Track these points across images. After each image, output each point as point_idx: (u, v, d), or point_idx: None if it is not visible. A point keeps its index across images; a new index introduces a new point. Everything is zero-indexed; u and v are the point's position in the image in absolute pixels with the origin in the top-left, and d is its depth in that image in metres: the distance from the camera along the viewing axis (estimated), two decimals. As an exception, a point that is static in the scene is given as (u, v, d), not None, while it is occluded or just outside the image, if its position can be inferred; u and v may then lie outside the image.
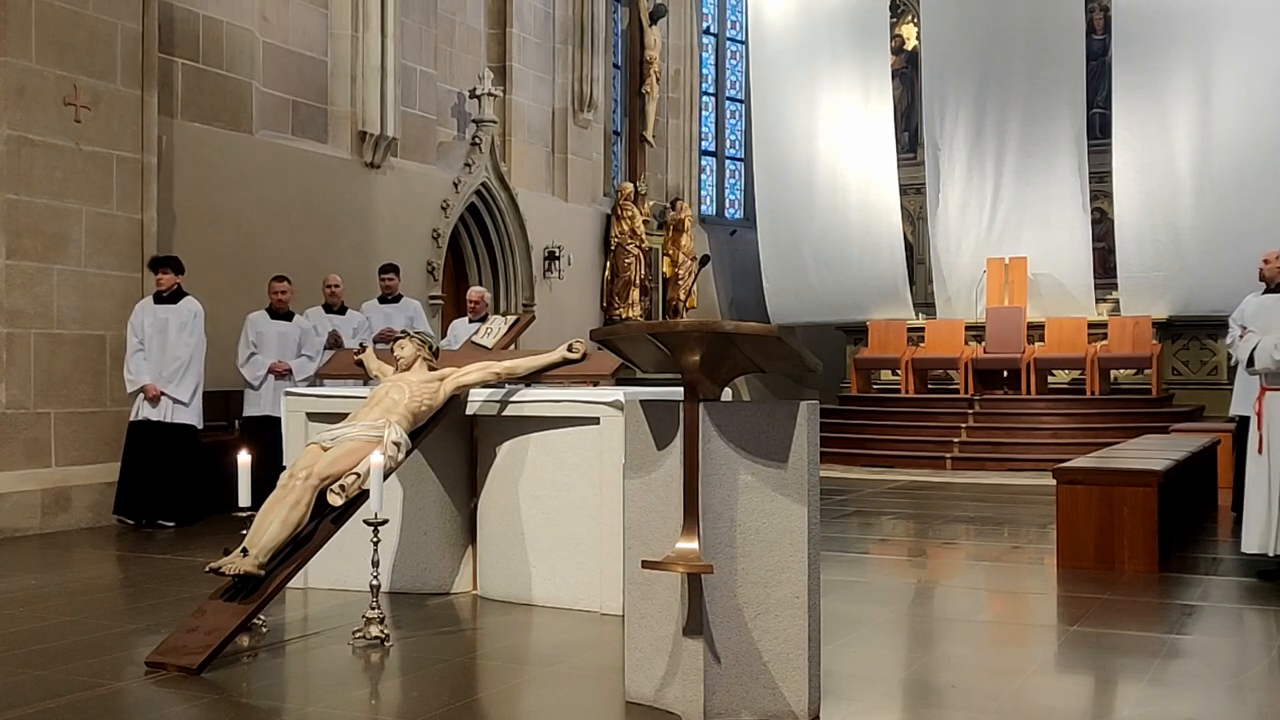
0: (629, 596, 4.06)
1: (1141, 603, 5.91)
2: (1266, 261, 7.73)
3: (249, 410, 9.29)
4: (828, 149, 16.92)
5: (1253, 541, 6.42)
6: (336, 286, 9.99)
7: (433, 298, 12.94)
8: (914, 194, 16.91)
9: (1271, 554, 6.36)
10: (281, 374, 9.17)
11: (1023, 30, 15.79)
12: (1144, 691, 4.30)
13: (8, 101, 8.10)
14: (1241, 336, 6.82)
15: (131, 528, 8.50)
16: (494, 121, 13.77)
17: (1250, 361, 6.41)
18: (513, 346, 6.23)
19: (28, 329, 8.32)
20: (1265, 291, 7.62)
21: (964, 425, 14.55)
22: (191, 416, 8.72)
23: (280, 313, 9.38)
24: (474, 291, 10.62)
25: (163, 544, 7.88)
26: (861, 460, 13.94)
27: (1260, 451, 6.41)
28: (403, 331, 5.90)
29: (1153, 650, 4.87)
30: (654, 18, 17.09)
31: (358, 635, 4.89)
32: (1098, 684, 4.53)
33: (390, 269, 10.52)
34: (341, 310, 9.99)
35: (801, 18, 17.18)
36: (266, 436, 8.60)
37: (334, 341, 9.70)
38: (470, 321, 10.12)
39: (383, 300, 10.47)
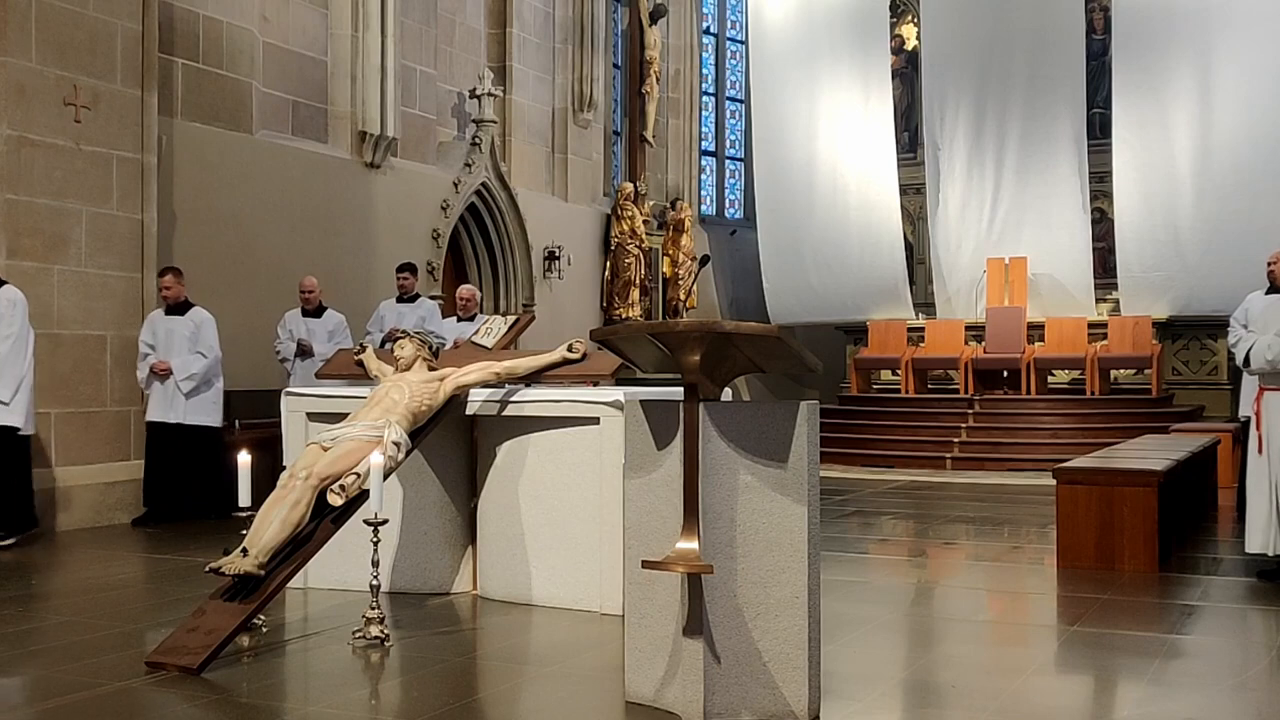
0: (629, 596, 4.06)
1: (1141, 603, 5.91)
2: (1273, 262, 7.49)
3: (149, 414, 8.89)
4: (828, 149, 16.92)
5: (1255, 541, 6.44)
6: (310, 292, 9.85)
7: (433, 297, 12.92)
8: (914, 194, 16.91)
9: (1272, 554, 6.36)
10: (162, 373, 8.70)
11: (1023, 30, 15.79)
12: (1144, 691, 4.30)
13: (8, 101, 8.10)
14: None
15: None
16: (494, 121, 13.76)
17: (1246, 361, 6.47)
18: (513, 346, 6.23)
19: (28, 329, 8.31)
20: (1269, 291, 7.41)
21: (964, 425, 14.55)
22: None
23: (174, 308, 8.85)
24: (464, 289, 10.50)
25: (163, 544, 7.87)
26: (861, 460, 13.94)
27: (1260, 452, 6.41)
28: (403, 331, 5.90)
29: (1153, 650, 4.87)
30: (654, 18, 17.09)
31: (358, 635, 4.89)
32: (1098, 684, 4.53)
33: (407, 268, 10.47)
34: (318, 313, 9.89)
35: (801, 18, 17.18)
36: (172, 444, 8.73)
37: (303, 350, 9.59)
38: (460, 320, 10.03)
39: (399, 299, 10.42)
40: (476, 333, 6.32)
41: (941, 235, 16.35)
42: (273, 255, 10.54)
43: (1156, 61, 14.97)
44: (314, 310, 9.89)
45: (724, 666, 3.79)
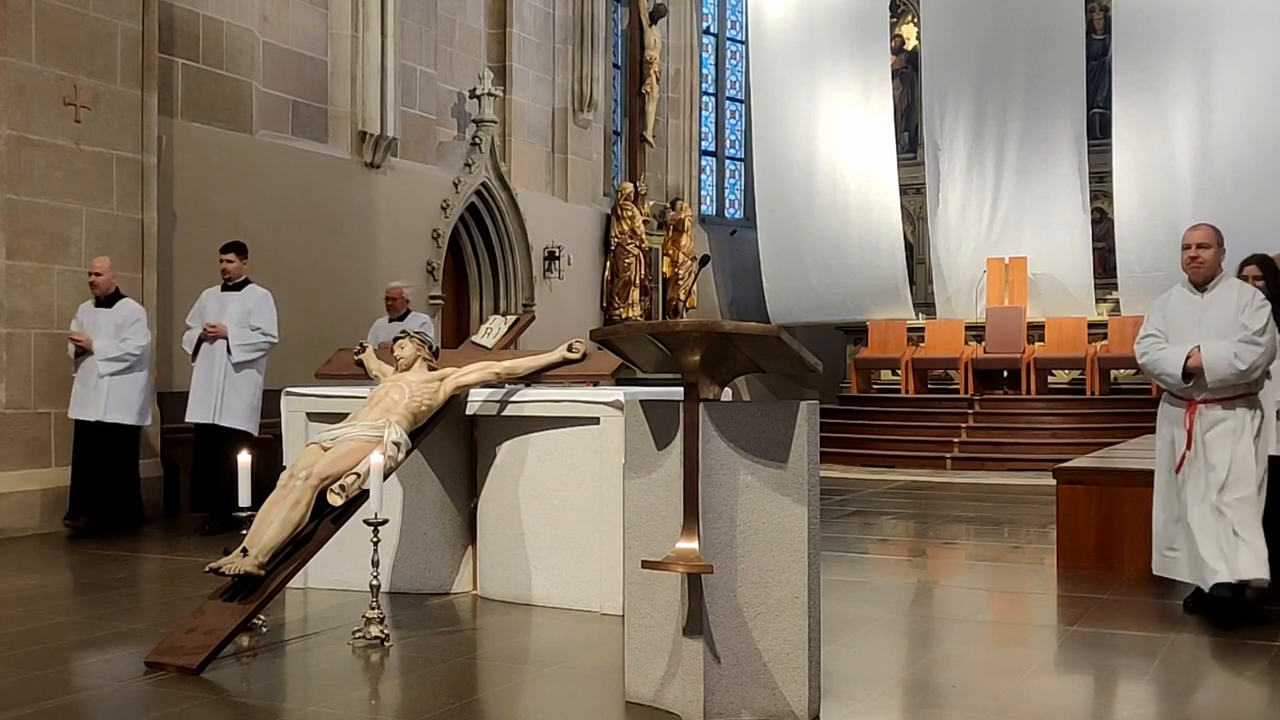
0: (629, 596, 4.06)
1: (1141, 603, 5.90)
2: (1195, 246, 5.63)
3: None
4: (828, 149, 16.92)
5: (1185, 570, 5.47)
6: (97, 274, 8.32)
7: (433, 298, 12.94)
8: (914, 194, 16.90)
9: (1226, 579, 5.26)
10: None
11: (1023, 30, 15.79)
12: (1144, 691, 4.30)
13: (8, 101, 8.10)
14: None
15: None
16: (494, 121, 13.76)
17: (1188, 376, 5.31)
18: (513, 346, 6.24)
19: (27, 329, 8.32)
20: (1198, 288, 5.62)
21: (964, 425, 14.55)
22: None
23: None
24: (391, 286, 9.94)
25: (163, 544, 7.88)
26: (861, 460, 13.93)
27: (1176, 471, 5.44)
28: (402, 331, 5.90)
29: (1153, 650, 4.86)
30: (654, 18, 17.09)
31: (358, 635, 4.89)
32: (1098, 684, 4.53)
33: (232, 248, 8.57)
34: (109, 302, 8.36)
35: (801, 18, 17.18)
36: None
37: (81, 349, 8.27)
38: (390, 321, 9.64)
39: (224, 288, 8.54)
40: (477, 333, 6.32)
41: (941, 235, 16.35)
42: (273, 255, 10.53)
43: (1156, 61, 14.97)
44: (105, 299, 8.35)
45: (724, 666, 3.79)
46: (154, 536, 8.21)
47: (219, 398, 8.31)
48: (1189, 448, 5.41)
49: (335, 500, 5.00)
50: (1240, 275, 6.17)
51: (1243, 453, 5.34)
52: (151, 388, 8.66)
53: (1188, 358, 5.35)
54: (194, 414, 8.38)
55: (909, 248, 16.94)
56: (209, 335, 8.30)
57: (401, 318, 9.68)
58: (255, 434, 8.38)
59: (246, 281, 8.54)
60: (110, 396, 8.20)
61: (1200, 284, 5.56)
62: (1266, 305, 5.42)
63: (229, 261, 8.50)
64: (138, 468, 8.59)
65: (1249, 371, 5.31)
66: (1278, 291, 6.19)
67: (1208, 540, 5.28)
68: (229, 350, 8.29)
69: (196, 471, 8.60)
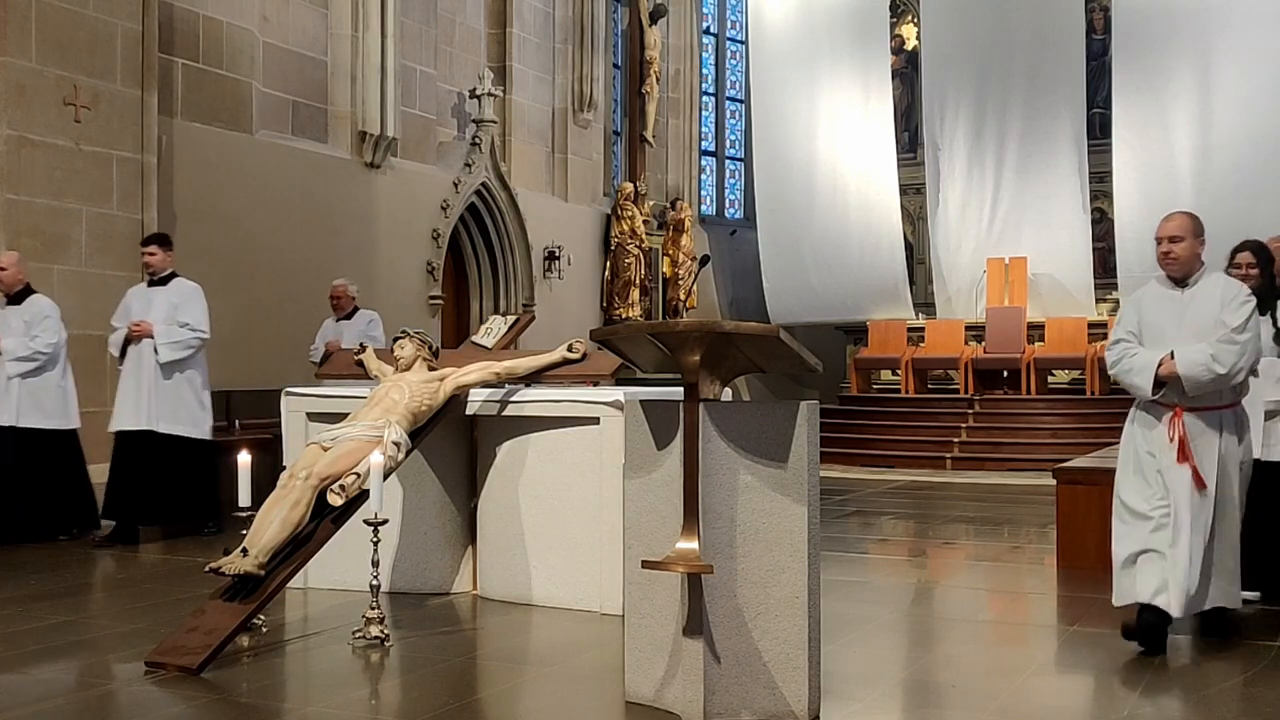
0: (629, 596, 4.06)
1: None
2: (1168, 239, 4.99)
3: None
4: (828, 149, 16.92)
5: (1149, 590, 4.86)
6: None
7: (433, 298, 12.95)
8: (914, 194, 16.90)
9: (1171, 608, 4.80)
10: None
11: (1023, 30, 15.80)
12: (1144, 691, 4.30)
13: (8, 101, 8.10)
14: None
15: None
16: (494, 121, 13.77)
17: (1160, 384, 4.80)
18: (513, 346, 6.24)
19: (28, 329, 8.30)
20: (1176, 284, 5.02)
21: (964, 425, 14.55)
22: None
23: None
24: (335, 284, 9.52)
25: (163, 544, 7.87)
26: (861, 460, 13.93)
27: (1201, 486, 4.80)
28: (402, 331, 5.89)
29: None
30: (654, 18, 17.09)
31: (358, 635, 4.89)
32: (1098, 684, 4.53)
33: (154, 240, 8.03)
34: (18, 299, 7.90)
35: (801, 18, 17.18)
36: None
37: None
38: (337, 320, 9.43)
39: (150, 283, 7.95)
40: (477, 333, 6.32)
41: (941, 235, 16.35)
42: (273, 255, 10.54)
43: (1156, 61, 14.97)
44: (15, 296, 7.89)
45: (724, 666, 3.79)
46: (154, 536, 8.21)
47: (150, 402, 7.68)
48: (1183, 460, 4.75)
49: (335, 500, 5.00)
50: (1233, 263, 5.70)
51: (1228, 473, 4.83)
52: (71, 388, 7.98)
53: (1159, 365, 4.78)
54: (121, 420, 7.75)
55: (909, 248, 16.94)
56: (135, 335, 7.71)
57: (349, 316, 9.46)
58: (207, 439, 7.92)
59: (173, 275, 7.89)
60: (22, 399, 7.67)
61: (1180, 279, 4.94)
62: (1250, 301, 4.85)
63: (151, 254, 7.84)
64: (84, 472, 7.97)
65: (1229, 375, 4.72)
66: (1272, 281, 5.75)
67: (1182, 570, 4.71)
68: (154, 349, 7.66)
69: (113, 482, 7.81)
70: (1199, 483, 4.75)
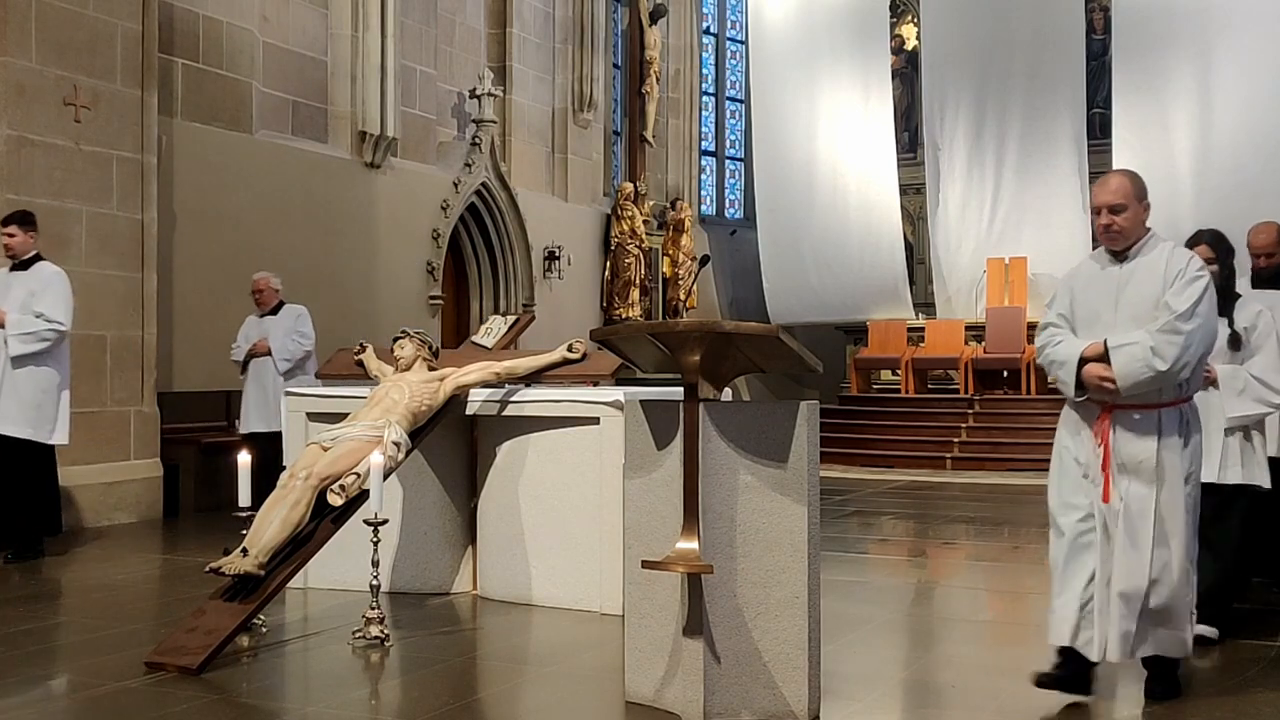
0: (629, 596, 4.06)
1: (1141, 603, 5.89)
2: (1107, 210, 4.12)
3: None
4: (828, 149, 16.93)
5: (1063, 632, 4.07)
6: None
7: (433, 298, 12.95)
8: (914, 194, 16.91)
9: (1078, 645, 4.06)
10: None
11: (1023, 30, 15.80)
12: (1143, 692, 4.29)
13: (8, 101, 8.10)
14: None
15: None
16: (494, 121, 13.77)
17: (1088, 383, 4.19)
18: (513, 346, 6.24)
19: (28, 329, 8.29)
20: (1115, 259, 4.19)
21: (964, 425, 14.55)
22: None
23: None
24: (256, 278, 8.56)
25: (163, 544, 7.88)
26: (861, 460, 13.93)
27: (1105, 500, 4.04)
28: (402, 331, 5.89)
29: (1153, 650, 4.85)
30: (654, 18, 17.09)
31: (358, 635, 4.89)
32: (1098, 684, 4.52)
33: (14, 219, 7.21)
34: None
35: (801, 18, 17.19)
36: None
37: None
38: (261, 316, 8.44)
39: (12, 268, 7.18)
40: (477, 333, 6.33)
41: (941, 235, 16.36)
42: (273, 255, 10.53)
43: (1156, 61, 14.98)
44: None
45: (724, 666, 3.79)
46: (154, 536, 8.21)
47: None
48: (1105, 468, 4.04)
49: (335, 500, 5.00)
50: None
51: (1169, 486, 3.98)
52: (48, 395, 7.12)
53: (1083, 359, 4.06)
54: None
55: (909, 248, 16.95)
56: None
57: (274, 311, 8.43)
58: (48, 443, 7.00)
59: (37, 258, 7.11)
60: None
61: (1119, 253, 4.10)
62: (1202, 277, 3.97)
63: (10, 235, 7.06)
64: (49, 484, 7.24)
65: (1172, 372, 3.89)
66: (1230, 275, 5.09)
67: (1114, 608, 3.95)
68: (5, 342, 6.86)
69: None
70: (1105, 497, 4.00)
